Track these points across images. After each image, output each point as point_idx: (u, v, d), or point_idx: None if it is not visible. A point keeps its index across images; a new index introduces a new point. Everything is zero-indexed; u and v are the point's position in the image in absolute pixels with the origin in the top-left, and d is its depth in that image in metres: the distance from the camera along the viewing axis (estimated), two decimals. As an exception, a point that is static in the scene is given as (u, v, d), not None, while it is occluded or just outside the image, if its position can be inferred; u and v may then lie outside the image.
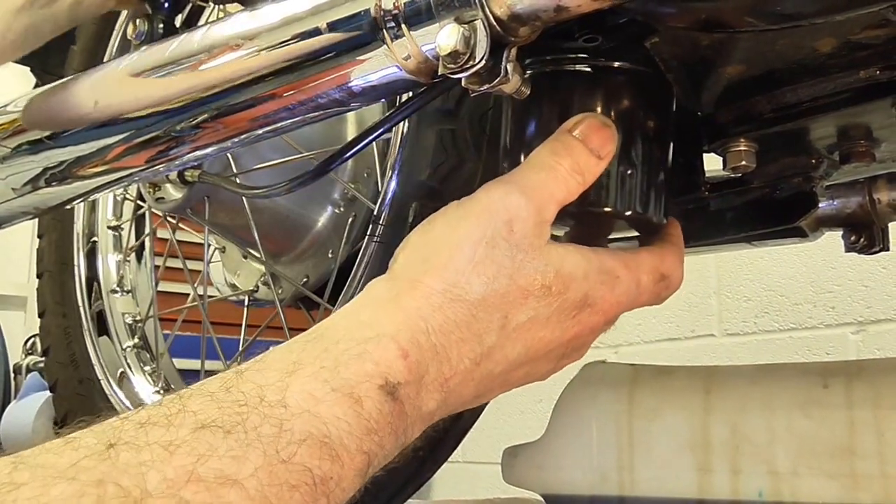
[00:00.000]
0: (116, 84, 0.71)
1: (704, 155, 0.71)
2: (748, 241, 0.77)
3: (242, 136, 0.66)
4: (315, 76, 0.58)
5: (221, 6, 0.98)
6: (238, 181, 1.07)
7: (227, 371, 0.47)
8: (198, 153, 0.69)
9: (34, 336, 2.61)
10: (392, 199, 0.84)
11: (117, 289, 1.33)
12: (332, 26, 0.57)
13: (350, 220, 1.09)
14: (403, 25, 0.53)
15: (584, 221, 0.61)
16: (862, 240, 0.83)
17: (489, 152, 0.81)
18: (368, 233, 0.87)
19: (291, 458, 0.42)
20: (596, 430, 1.02)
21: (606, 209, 0.59)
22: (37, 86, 0.86)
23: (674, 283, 0.61)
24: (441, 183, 0.82)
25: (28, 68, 1.20)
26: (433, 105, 0.80)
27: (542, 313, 0.53)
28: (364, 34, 0.55)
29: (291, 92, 0.60)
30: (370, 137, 0.66)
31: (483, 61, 0.52)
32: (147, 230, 1.35)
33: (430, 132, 0.83)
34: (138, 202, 1.34)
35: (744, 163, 0.65)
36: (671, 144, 0.64)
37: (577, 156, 0.56)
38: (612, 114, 0.59)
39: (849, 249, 0.84)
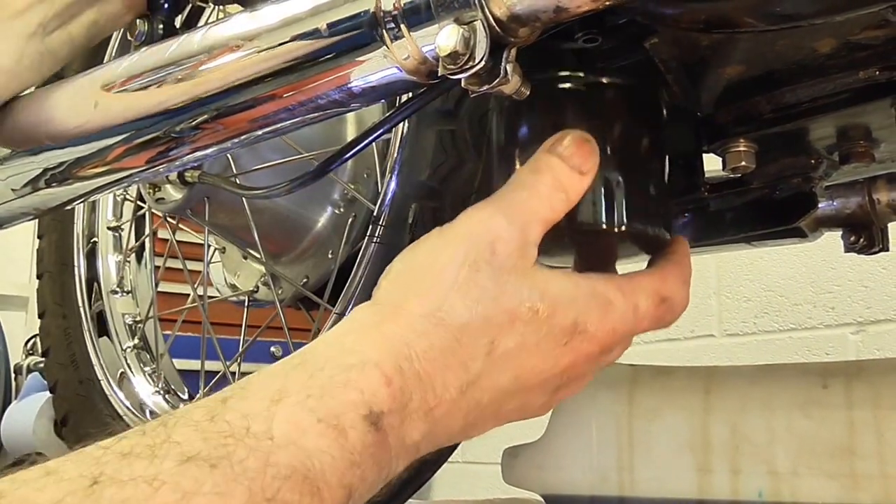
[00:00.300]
0: (116, 85, 0.71)
1: (704, 155, 0.71)
2: (748, 242, 0.77)
3: (242, 137, 0.66)
4: (315, 77, 0.58)
5: (221, 7, 0.98)
6: (238, 182, 1.08)
7: (210, 398, 0.46)
8: (198, 154, 0.69)
9: (34, 336, 2.61)
10: (392, 199, 0.84)
11: (117, 289, 1.34)
12: (332, 27, 0.57)
13: (350, 220, 1.10)
14: (403, 26, 0.53)
15: (581, 244, 0.60)
16: (861, 240, 0.83)
17: (488, 153, 0.81)
18: (368, 233, 0.87)
19: (276, 496, 0.41)
20: (596, 430, 1.02)
21: (600, 227, 0.58)
22: (36, 87, 0.86)
23: (677, 305, 0.58)
24: (441, 183, 0.82)
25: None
26: (433, 106, 0.80)
27: (531, 339, 0.51)
28: (364, 35, 0.55)
29: (291, 93, 0.60)
30: (370, 138, 0.66)
31: (483, 62, 0.51)
32: (147, 231, 1.36)
33: (429, 133, 0.83)
34: (138, 203, 1.34)
35: (743, 163, 0.65)
36: (665, 157, 0.63)
37: (557, 172, 0.54)
38: (601, 129, 0.58)
39: (848, 250, 0.84)
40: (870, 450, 0.87)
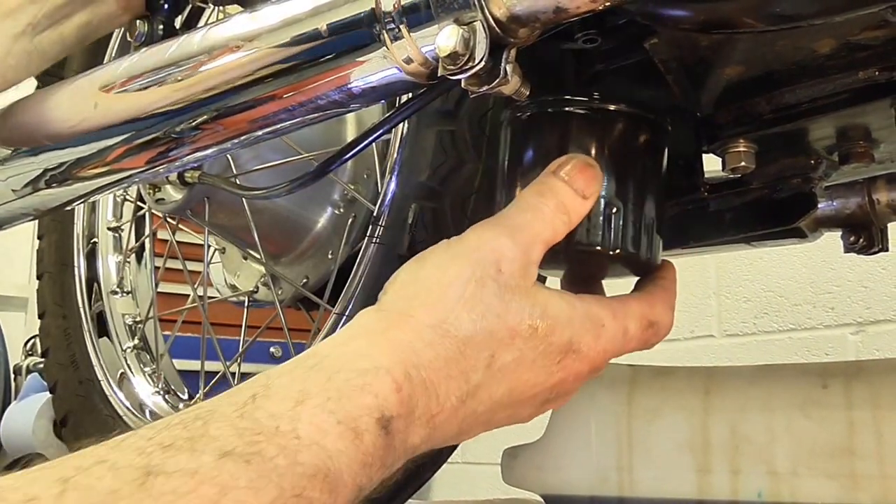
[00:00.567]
0: (116, 85, 0.71)
1: (704, 156, 0.71)
2: (747, 242, 0.77)
3: (242, 138, 0.66)
4: (315, 77, 0.59)
5: (221, 8, 0.98)
6: (238, 182, 1.08)
7: (233, 393, 0.48)
8: (198, 154, 0.69)
9: (34, 337, 2.61)
10: (392, 200, 0.84)
11: (117, 290, 1.34)
12: (332, 28, 0.57)
13: (350, 221, 1.10)
14: (403, 27, 0.54)
15: (575, 262, 0.62)
16: (861, 240, 0.83)
17: (488, 154, 0.81)
18: (368, 234, 0.87)
19: (302, 493, 0.43)
20: (595, 430, 1.02)
21: (595, 248, 0.60)
22: (37, 87, 0.86)
23: (662, 329, 0.61)
24: (441, 184, 0.82)
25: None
26: (433, 106, 0.80)
27: (528, 355, 0.54)
28: (363, 35, 0.55)
29: (291, 93, 0.60)
30: (370, 139, 0.66)
31: (482, 62, 0.52)
32: (147, 231, 1.36)
33: (429, 133, 0.83)
34: (138, 203, 1.34)
35: (743, 163, 0.65)
36: (664, 186, 0.64)
37: (561, 196, 0.57)
38: (604, 154, 0.60)
39: (848, 250, 0.84)
40: (869, 450, 0.87)
